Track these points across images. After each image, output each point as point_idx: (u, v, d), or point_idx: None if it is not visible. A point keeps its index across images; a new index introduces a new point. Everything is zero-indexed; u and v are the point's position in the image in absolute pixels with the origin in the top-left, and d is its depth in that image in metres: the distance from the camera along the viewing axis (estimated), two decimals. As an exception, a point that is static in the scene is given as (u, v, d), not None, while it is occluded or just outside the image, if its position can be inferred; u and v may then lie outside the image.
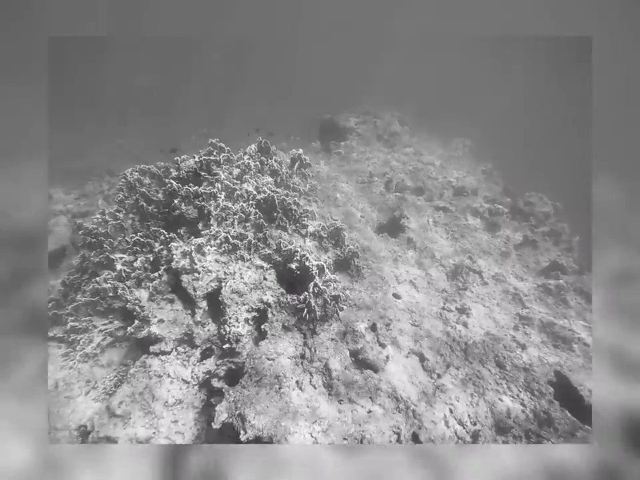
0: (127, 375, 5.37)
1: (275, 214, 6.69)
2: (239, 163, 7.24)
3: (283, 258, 6.08)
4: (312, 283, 5.29)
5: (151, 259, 6.34)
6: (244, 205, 6.24)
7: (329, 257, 6.81)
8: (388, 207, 9.80)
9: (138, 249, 6.58)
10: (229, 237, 5.79)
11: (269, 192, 6.57)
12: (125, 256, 6.58)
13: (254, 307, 5.54)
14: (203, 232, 5.94)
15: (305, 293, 5.31)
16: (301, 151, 8.73)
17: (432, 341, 6.23)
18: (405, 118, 16.95)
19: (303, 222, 6.92)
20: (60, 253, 10.61)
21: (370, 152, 13.47)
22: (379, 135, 14.98)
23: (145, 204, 6.80)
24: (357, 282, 6.89)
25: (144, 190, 7.15)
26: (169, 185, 6.36)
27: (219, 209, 5.99)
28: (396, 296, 6.95)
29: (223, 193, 6.35)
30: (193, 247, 5.74)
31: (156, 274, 6.12)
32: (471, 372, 5.51)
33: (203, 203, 6.13)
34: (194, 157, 7.40)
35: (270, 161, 8.36)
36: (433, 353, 5.99)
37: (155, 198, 6.91)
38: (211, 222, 5.94)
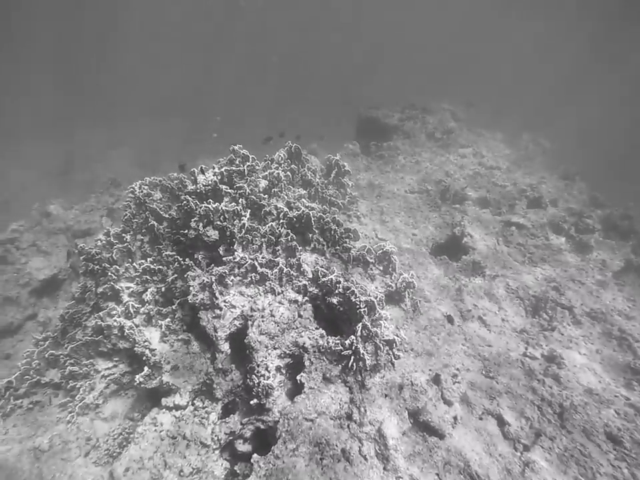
0: (135, 434, 5.29)
1: (311, 235, 6.56)
2: (266, 173, 7.22)
3: (322, 290, 5.89)
4: (360, 325, 5.04)
5: (163, 289, 6.35)
6: (273, 224, 6.14)
7: (376, 288, 6.55)
8: (445, 222, 9.45)
9: (148, 277, 6.63)
10: (256, 264, 5.69)
11: (303, 208, 6.46)
12: (132, 285, 6.65)
13: (287, 351, 5.35)
14: (224, 258, 5.88)
15: (352, 337, 5.06)
16: (338, 156, 8.65)
17: (513, 398, 5.76)
18: (459, 112, 16.65)
19: (344, 244, 6.73)
20: (58, 279, 11.01)
21: (420, 154, 13.23)
22: (429, 132, 14.74)
23: (155, 223, 6.88)
24: (412, 320, 6.56)
25: (154, 207, 7.27)
26: (184, 201, 6.39)
27: (243, 231, 5.92)
28: (463, 337, 6.55)
29: (249, 210, 6.30)
30: (213, 278, 5.68)
31: (169, 309, 6.11)
32: (572, 446, 4.99)
33: (224, 222, 6.09)
34: (213, 168, 7.47)
35: (302, 169, 8.33)
36: (515, 415, 5.53)
37: (167, 216, 6.98)
38: (235, 246, 5.86)
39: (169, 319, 5.78)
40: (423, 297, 7.09)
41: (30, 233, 12.08)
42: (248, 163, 7.39)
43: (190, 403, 5.38)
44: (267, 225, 6.03)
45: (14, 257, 11.31)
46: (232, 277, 5.75)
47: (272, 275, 5.70)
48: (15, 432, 5.96)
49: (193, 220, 6.32)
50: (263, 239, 6.02)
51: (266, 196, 6.86)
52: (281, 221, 6.38)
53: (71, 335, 6.88)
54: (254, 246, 5.98)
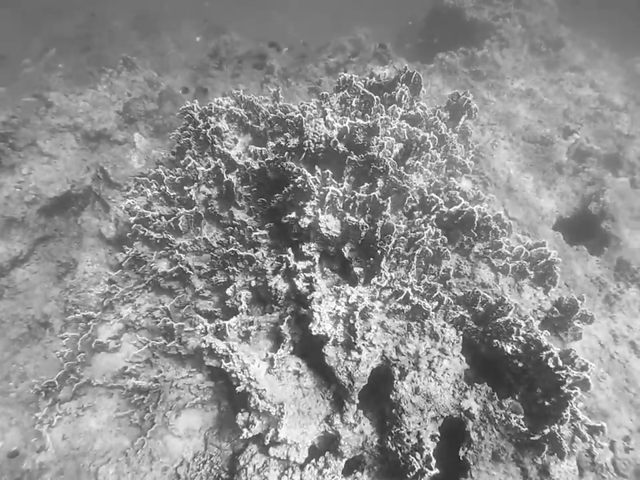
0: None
1: (462, 233, 4.91)
2: (397, 128, 5.15)
3: (483, 324, 4.50)
4: (566, 411, 3.78)
5: (253, 283, 4.92)
6: (430, 229, 4.43)
7: (537, 309, 5.18)
8: (573, 190, 7.70)
9: (228, 262, 5.11)
10: (409, 292, 4.15)
11: (462, 201, 4.68)
12: (204, 266, 5.20)
13: (444, 414, 4.16)
14: (353, 271, 4.30)
15: (551, 427, 3.84)
16: (470, 96, 6.44)
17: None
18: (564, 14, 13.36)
19: (497, 245, 5.12)
20: (71, 194, 9.10)
21: (525, 76, 10.62)
22: (533, 43, 11.81)
23: (234, 180, 5.20)
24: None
25: (225, 150, 5.47)
26: (288, 166, 4.55)
27: (393, 239, 4.21)
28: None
29: (389, 200, 4.49)
30: (343, 302, 4.18)
31: (270, 323, 4.72)
32: None
33: (358, 219, 4.34)
34: (321, 108, 5.44)
35: (415, 107, 6.21)
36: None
37: (253, 170, 5.26)
38: (382, 263, 4.22)
39: (281, 349, 4.40)
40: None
41: (27, 128, 9.71)
42: (374, 108, 5.29)
43: (309, 461, 4.32)
44: (425, 231, 4.29)
45: (10, 160, 9.19)
46: (371, 303, 4.24)
47: (429, 304, 4.20)
48: (65, 446, 4.96)
49: (309, 204, 4.52)
50: (415, 251, 4.35)
51: (401, 168, 4.95)
52: (431, 217, 4.63)
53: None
54: (403, 261, 4.34)
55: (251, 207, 5.75)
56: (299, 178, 4.46)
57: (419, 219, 4.68)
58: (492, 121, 8.61)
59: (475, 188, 6.79)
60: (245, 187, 5.71)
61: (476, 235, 4.80)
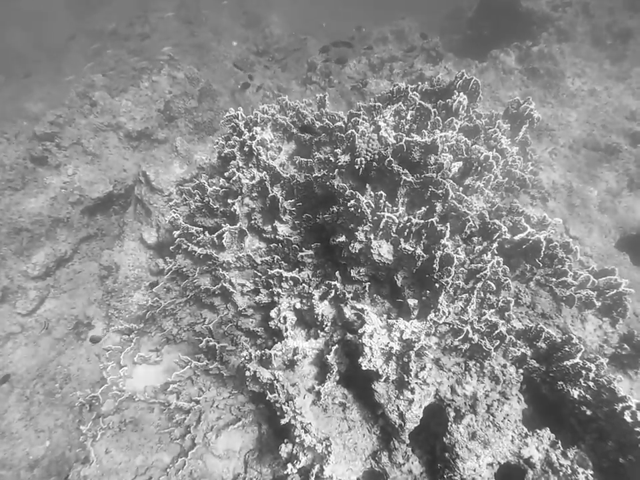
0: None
1: (525, 261, 4.57)
2: (452, 145, 4.81)
3: (546, 364, 4.18)
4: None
5: (298, 305, 4.77)
6: (494, 261, 4.12)
7: (603, 342, 4.79)
8: (641, 206, 7.10)
9: (273, 282, 4.98)
10: (468, 330, 3.88)
11: (527, 228, 4.33)
12: (247, 284, 5.11)
13: (501, 461, 3.91)
14: (407, 302, 4.05)
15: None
16: (532, 105, 5.98)
17: None
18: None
19: (562, 273, 4.74)
20: (113, 194, 9.27)
21: (587, 74, 9.86)
22: (597, 36, 10.94)
23: (280, 197, 5.09)
24: None
25: (270, 162, 5.34)
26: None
27: (453, 271, 3.94)
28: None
29: (448, 225, 4.20)
30: (396, 337, 3.96)
31: (315, 345, 4.56)
32: None
33: (417, 249, 4.08)
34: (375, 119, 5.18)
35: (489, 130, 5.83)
36: None
37: (301, 182, 5.11)
38: (440, 298, 3.96)
39: (328, 380, 4.24)
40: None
41: (72, 127, 9.89)
42: (431, 122, 4.97)
43: (355, 500, 4.18)
44: (488, 264, 3.99)
45: (56, 160, 9.40)
46: (425, 338, 4.00)
47: (491, 347, 3.92)
48: (108, 461, 5.02)
49: (361, 229, 4.29)
50: (476, 284, 4.06)
51: (460, 189, 4.63)
52: (493, 245, 4.30)
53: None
54: (462, 295, 4.06)
55: (296, 222, 5.59)
56: (352, 202, 4.22)
57: (479, 246, 4.37)
58: (550, 125, 8.03)
59: (534, 203, 6.36)
60: (289, 200, 5.55)
61: (541, 264, 4.45)
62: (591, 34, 11.03)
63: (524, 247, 4.36)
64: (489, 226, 4.38)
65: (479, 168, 4.71)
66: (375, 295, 4.65)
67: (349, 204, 4.28)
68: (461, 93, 5.60)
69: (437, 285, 3.96)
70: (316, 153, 5.75)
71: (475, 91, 5.95)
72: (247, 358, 4.33)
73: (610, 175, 7.21)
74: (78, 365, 6.79)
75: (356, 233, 4.34)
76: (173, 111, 11.25)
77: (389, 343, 3.92)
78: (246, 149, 5.67)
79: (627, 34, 10.96)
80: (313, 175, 5.16)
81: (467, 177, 4.89)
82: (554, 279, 4.76)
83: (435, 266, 4.00)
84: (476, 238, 4.51)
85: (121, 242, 7.94)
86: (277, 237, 5.71)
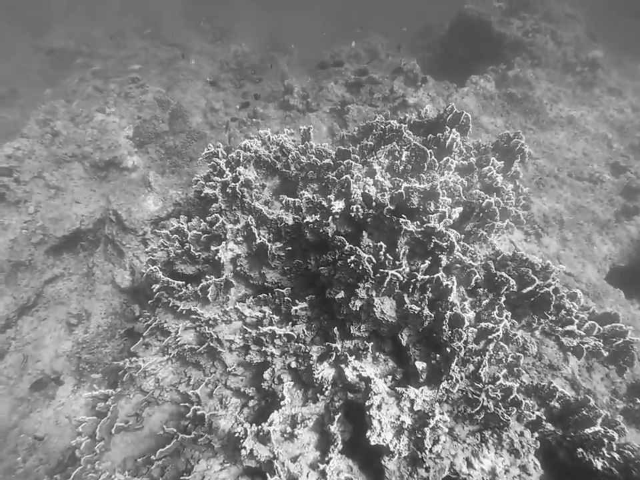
0: None
1: (532, 313, 4.36)
2: (450, 186, 4.60)
3: (562, 428, 3.95)
4: None
5: (293, 365, 4.41)
6: (490, 301, 3.89)
7: (612, 393, 4.62)
8: (629, 236, 7.12)
9: (265, 340, 4.61)
10: (484, 398, 3.60)
11: (536, 281, 4.12)
12: (236, 339, 4.71)
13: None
14: (415, 366, 3.75)
15: None
16: (522, 139, 5.91)
17: None
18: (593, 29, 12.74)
19: (567, 322, 4.57)
20: (81, 230, 8.63)
21: (562, 99, 10.01)
22: (568, 62, 11.20)
23: (268, 244, 4.73)
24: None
25: (256, 204, 5.01)
26: (335, 240, 4.01)
27: (469, 338, 3.67)
28: None
29: (454, 281, 3.94)
30: (406, 407, 3.64)
31: (314, 409, 4.18)
32: None
33: (425, 314, 3.80)
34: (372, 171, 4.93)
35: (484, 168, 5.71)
36: None
37: (288, 226, 4.79)
38: (452, 366, 3.67)
39: (332, 452, 3.85)
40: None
41: (33, 160, 9.20)
42: (427, 164, 4.75)
43: None
44: (500, 324, 3.74)
45: (15, 196, 8.69)
46: (435, 405, 3.70)
47: (509, 417, 3.64)
48: None
49: (362, 286, 3.98)
50: (488, 345, 3.80)
51: (462, 236, 4.40)
52: (501, 299, 4.07)
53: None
54: (474, 359, 3.78)
55: (285, 267, 5.25)
56: (352, 258, 3.91)
57: (485, 299, 4.14)
58: (534, 153, 8.03)
59: (528, 239, 6.24)
60: (277, 244, 5.21)
61: (549, 317, 4.25)
62: (562, 60, 11.29)
63: (532, 299, 4.15)
64: (496, 278, 4.15)
65: (481, 214, 4.51)
66: (377, 354, 4.33)
67: (348, 260, 3.96)
68: (453, 130, 5.44)
69: (448, 350, 3.67)
70: (304, 192, 5.45)
71: (465, 125, 5.85)
72: (241, 434, 3.89)
73: (596, 205, 7.23)
74: (45, 430, 6.10)
75: (356, 290, 4.03)
76: (143, 136, 10.72)
77: (399, 416, 3.59)
78: (229, 190, 5.29)
79: (594, 63, 11.28)
80: (304, 220, 4.82)
81: (466, 221, 4.69)
82: (560, 328, 4.57)
83: (444, 327, 3.72)
84: (481, 289, 4.28)
85: (92, 286, 7.34)
86: (265, 283, 5.35)
